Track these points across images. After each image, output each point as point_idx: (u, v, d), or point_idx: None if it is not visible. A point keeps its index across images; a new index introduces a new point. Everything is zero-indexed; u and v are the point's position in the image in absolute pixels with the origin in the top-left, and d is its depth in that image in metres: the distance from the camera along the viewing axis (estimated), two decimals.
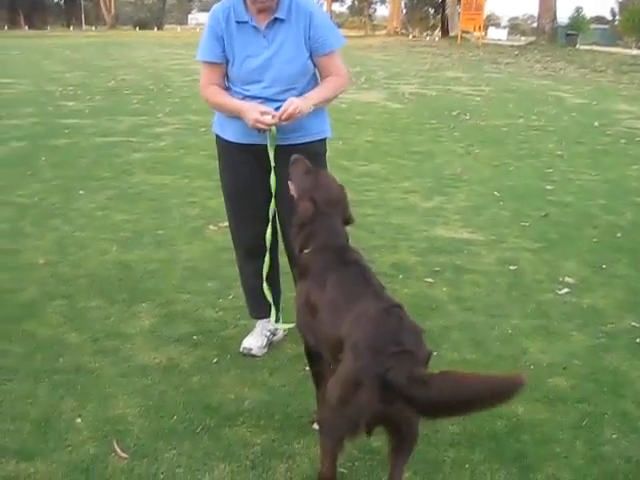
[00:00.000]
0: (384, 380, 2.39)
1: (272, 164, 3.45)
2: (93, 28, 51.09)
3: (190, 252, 5.39)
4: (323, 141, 3.68)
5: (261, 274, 3.66)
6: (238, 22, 3.37)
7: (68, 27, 50.79)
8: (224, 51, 3.43)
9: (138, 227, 5.97)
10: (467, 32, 35.90)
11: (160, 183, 7.30)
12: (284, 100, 3.33)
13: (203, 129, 10.08)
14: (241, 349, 3.86)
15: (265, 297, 3.67)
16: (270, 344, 3.95)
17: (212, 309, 4.40)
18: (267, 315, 3.83)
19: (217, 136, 3.72)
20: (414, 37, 40.71)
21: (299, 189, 3.16)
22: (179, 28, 58.94)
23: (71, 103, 12.74)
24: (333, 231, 3.09)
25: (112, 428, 3.20)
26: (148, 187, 7.17)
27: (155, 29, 54.69)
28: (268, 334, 3.94)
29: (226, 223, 6.02)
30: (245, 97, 3.44)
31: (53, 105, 12.48)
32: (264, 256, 3.62)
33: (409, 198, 7.09)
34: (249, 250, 3.81)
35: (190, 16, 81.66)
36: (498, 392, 2.42)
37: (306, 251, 3.08)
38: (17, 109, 11.83)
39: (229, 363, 3.77)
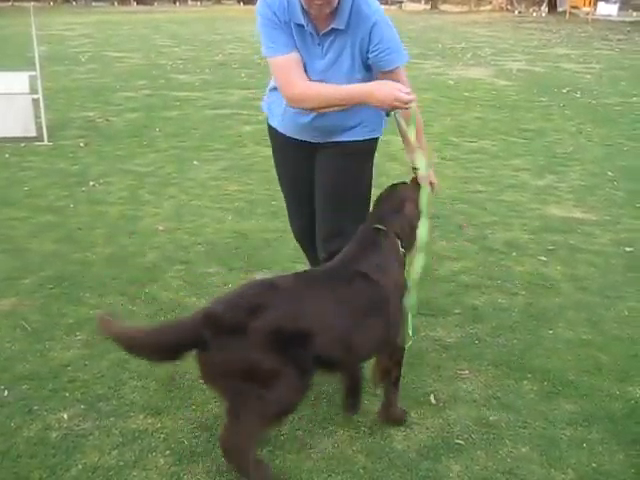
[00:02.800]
0: None
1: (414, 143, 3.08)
2: (199, 3, 51.82)
3: None
4: (374, 140, 3.36)
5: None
6: (296, 24, 2.98)
7: (174, 3, 51.65)
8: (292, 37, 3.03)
9: (252, 197, 6.11)
10: (576, 7, 34.81)
11: (270, 155, 7.29)
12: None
13: None
14: None
15: None
16: None
17: None
18: None
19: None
20: (520, 13, 39.67)
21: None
22: None
23: (182, 76, 13.04)
24: None
25: None
26: (260, 159, 7.30)
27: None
28: None
29: None
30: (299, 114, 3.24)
31: (164, 78, 12.82)
32: (310, 249, 3.62)
33: (520, 176, 6.99)
34: (296, 239, 3.81)
35: None
36: None
37: None
38: (131, 82, 12.22)
39: None
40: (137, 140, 8.13)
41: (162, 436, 2.99)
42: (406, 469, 2.81)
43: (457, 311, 4.11)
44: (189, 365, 3.45)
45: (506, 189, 6.53)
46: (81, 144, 8.04)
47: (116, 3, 48.58)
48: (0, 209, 5.82)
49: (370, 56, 3.01)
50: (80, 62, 15.28)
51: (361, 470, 2.80)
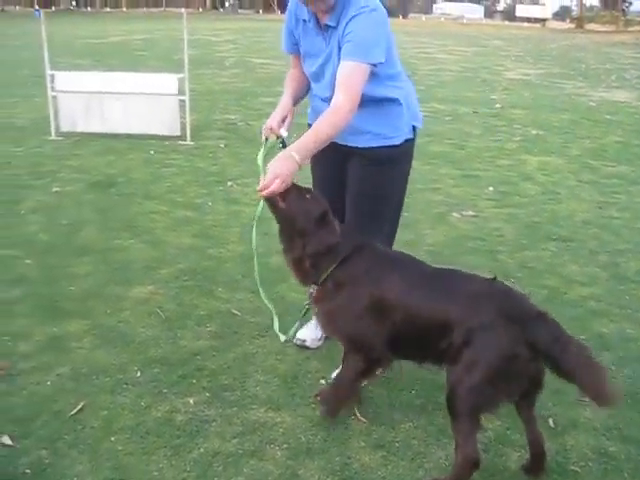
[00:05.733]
0: (532, 343, 2.59)
1: (261, 177, 3.01)
2: None
3: (433, 237, 5.51)
4: (391, 148, 3.31)
5: None
6: (303, 20, 3.25)
7: None
8: (296, 44, 3.36)
9: None
10: None
11: None
12: None
13: (448, 117, 10.20)
14: (295, 340, 3.77)
15: None
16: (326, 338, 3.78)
17: None
18: None
19: None
20: None
21: (301, 218, 2.94)
22: (424, 17, 59.18)
23: None
24: (351, 236, 3.04)
25: None
26: None
27: (400, 17, 55.38)
28: None
29: (470, 212, 6.15)
30: (313, 94, 3.44)
31: None
32: None
33: None
34: None
35: (435, 5, 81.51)
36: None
37: (334, 267, 2.96)
38: (272, 87, 12.58)
39: None
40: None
41: (281, 430, 3.09)
42: None
43: (583, 337, 4.00)
44: (310, 366, 3.58)
45: None
46: (221, 145, 8.35)
47: (261, 11, 49.94)
48: (143, 202, 6.16)
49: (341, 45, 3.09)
50: (224, 67, 15.82)
51: None
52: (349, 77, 2.99)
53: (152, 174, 7.09)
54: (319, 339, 3.81)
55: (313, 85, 3.40)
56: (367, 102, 3.12)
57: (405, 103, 3.33)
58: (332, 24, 3.11)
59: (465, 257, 5.09)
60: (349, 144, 3.33)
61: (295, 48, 3.38)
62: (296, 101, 3.41)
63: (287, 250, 3.05)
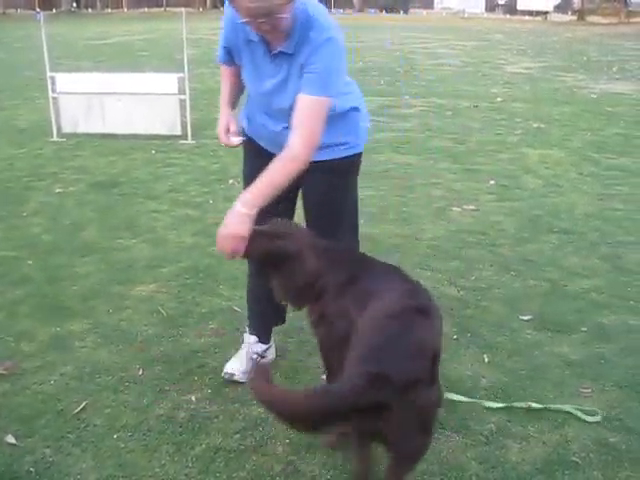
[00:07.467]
0: None
1: None
2: (341, 11, 52.47)
3: (434, 231, 5.52)
4: (349, 158, 3.14)
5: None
6: (248, 40, 2.87)
7: None
8: (233, 58, 3.04)
9: (383, 203, 6.20)
10: None
11: (405, 163, 7.49)
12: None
13: (449, 112, 10.19)
14: (223, 374, 3.46)
15: (267, 316, 3.60)
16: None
17: (454, 287, 4.49)
18: (263, 337, 3.59)
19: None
20: None
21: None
22: (425, 12, 59.03)
23: None
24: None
25: None
26: (394, 166, 7.38)
27: (401, 13, 55.39)
28: (255, 357, 3.53)
29: (471, 206, 6.15)
30: (256, 109, 3.11)
31: None
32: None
33: None
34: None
35: (436, 0, 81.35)
36: None
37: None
38: None
39: (468, 341, 3.85)
40: None
41: (282, 426, 3.09)
42: None
43: (584, 329, 4.02)
44: (312, 361, 3.59)
45: None
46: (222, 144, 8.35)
47: None
48: (145, 202, 6.19)
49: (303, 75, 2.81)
50: None
51: (473, 477, 2.80)
52: (310, 116, 2.76)
53: (153, 173, 7.13)
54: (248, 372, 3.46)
55: (259, 100, 3.06)
56: (331, 117, 2.86)
57: (361, 107, 3.17)
58: (288, 51, 2.80)
59: (466, 251, 5.11)
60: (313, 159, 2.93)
61: (232, 61, 3.05)
62: (234, 104, 3.22)
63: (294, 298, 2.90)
